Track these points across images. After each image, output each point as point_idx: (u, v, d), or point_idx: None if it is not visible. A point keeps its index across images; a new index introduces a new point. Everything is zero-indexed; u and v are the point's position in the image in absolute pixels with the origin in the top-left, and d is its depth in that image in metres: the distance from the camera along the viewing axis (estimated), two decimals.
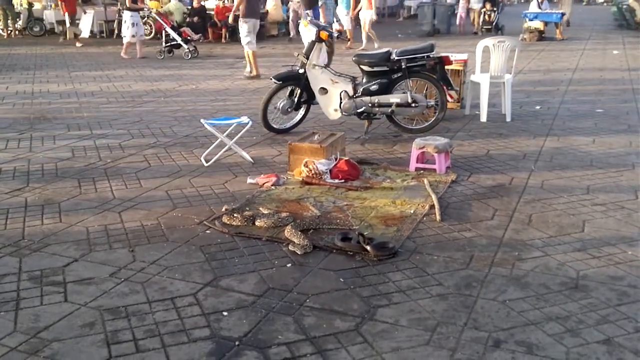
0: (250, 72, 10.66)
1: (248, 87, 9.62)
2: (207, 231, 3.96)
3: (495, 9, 18.15)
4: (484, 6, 18.50)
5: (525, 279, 3.27)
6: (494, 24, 18.01)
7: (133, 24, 13.27)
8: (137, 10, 13.39)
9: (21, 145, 6.12)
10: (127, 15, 13.26)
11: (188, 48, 13.62)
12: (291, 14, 16.92)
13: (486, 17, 18.29)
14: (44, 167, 5.37)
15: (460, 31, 19.66)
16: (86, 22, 19.08)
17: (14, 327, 2.82)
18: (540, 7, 17.40)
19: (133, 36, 13.29)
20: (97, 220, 4.14)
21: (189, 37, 13.98)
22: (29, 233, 3.92)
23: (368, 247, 3.56)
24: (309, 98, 6.47)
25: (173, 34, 13.74)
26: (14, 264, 3.47)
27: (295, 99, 6.41)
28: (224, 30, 17.54)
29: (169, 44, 13.85)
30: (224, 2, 17.98)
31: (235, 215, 4.09)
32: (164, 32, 13.90)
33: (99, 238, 3.85)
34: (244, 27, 10.35)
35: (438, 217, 4.10)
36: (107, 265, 3.46)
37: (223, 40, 17.28)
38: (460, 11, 19.97)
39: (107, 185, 4.88)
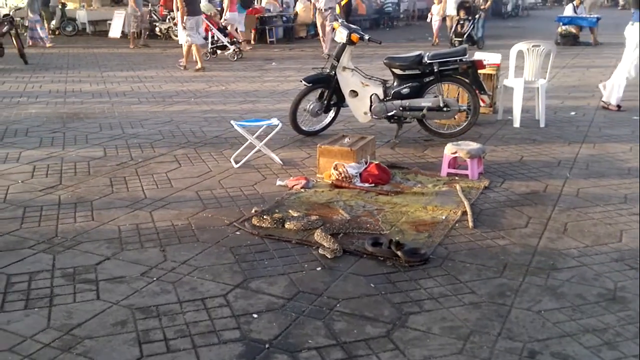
0: (182, 64, 12.09)
1: (277, 89, 9.64)
2: (237, 232, 3.96)
3: (469, 17, 15.53)
4: (457, 14, 15.97)
5: (561, 289, 3.20)
6: (465, 35, 15.22)
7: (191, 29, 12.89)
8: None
9: (54, 144, 6.20)
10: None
11: (234, 49, 13.69)
12: (317, 19, 14.94)
13: (458, 27, 15.65)
14: (76, 165, 5.44)
15: (435, 42, 16.97)
16: (117, 23, 19.35)
17: (47, 323, 2.84)
18: (575, 12, 17.11)
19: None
20: (128, 219, 4.17)
21: (234, 39, 14.07)
22: (62, 230, 3.96)
23: (399, 253, 3.52)
24: (338, 101, 6.44)
25: (220, 36, 13.81)
26: (48, 260, 3.51)
27: (325, 102, 6.40)
28: (253, 32, 17.62)
29: (214, 45, 13.93)
30: (253, 4, 18.07)
31: (264, 217, 4.08)
32: (210, 33, 13.96)
33: (131, 237, 3.87)
34: (187, 24, 11.51)
35: (470, 224, 4.04)
36: (138, 264, 3.48)
37: (252, 42, 17.34)
38: (435, 18, 17.32)
39: (139, 185, 4.92)
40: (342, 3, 14.83)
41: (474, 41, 15.30)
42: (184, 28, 11.61)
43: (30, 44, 15.83)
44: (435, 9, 17.28)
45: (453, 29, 15.71)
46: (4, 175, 5.11)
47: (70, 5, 20.88)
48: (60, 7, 19.75)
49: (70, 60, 13.52)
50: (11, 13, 14.33)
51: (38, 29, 16.04)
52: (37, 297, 3.10)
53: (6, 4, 21.47)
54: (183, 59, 12.16)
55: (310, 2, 16.51)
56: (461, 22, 15.50)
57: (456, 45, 14.20)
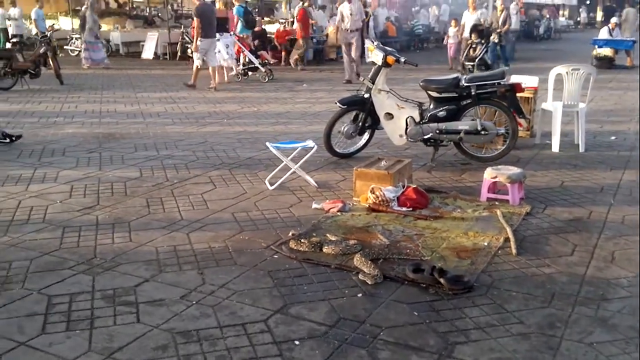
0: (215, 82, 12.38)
1: (309, 111, 9.65)
2: (275, 256, 3.91)
3: (482, 41, 14.46)
4: (470, 37, 14.89)
5: (612, 321, 3.08)
6: (476, 60, 14.20)
7: (218, 50, 13.08)
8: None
9: (91, 164, 6.27)
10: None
11: (265, 71, 13.81)
12: (342, 41, 13.66)
13: (470, 50, 14.56)
14: (113, 185, 5.47)
15: (451, 67, 15.97)
16: (150, 45, 19.68)
17: (89, 346, 2.82)
18: (611, 34, 16.90)
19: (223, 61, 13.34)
20: (166, 241, 4.15)
21: (266, 61, 14.20)
22: (101, 251, 3.96)
23: (442, 280, 3.43)
24: (373, 123, 6.40)
25: (251, 57, 13.95)
26: (88, 282, 3.50)
27: (360, 124, 6.36)
28: (283, 53, 17.77)
29: (245, 67, 14.08)
30: (284, 26, 18.22)
31: (302, 240, 4.03)
32: (241, 55, 14.11)
33: (169, 259, 3.85)
34: (199, 46, 12.07)
35: (514, 251, 3.93)
36: (177, 287, 3.45)
37: (282, 63, 17.48)
38: (450, 41, 16.46)
39: (175, 206, 4.92)
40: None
41: (488, 65, 14.25)
42: (196, 50, 12.08)
43: (87, 65, 16.15)
44: (452, 32, 16.58)
45: (465, 53, 14.82)
46: (43, 195, 5.16)
47: (104, 27, 21.32)
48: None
49: (104, 81, 13.75)
50: (48, 34, 14.64)
51: (95, 50, 16.39)
52: (78, 319, 3.08)
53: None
54: (212, 81, 12.35)
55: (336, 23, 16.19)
56: (473, 45, 14.52)
57: (471, 70, 13.67)
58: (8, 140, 7.17)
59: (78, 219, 4.59)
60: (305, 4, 16.76)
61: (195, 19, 12.34)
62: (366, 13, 16.45)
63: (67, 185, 5.46)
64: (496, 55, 15.45)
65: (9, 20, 18.19)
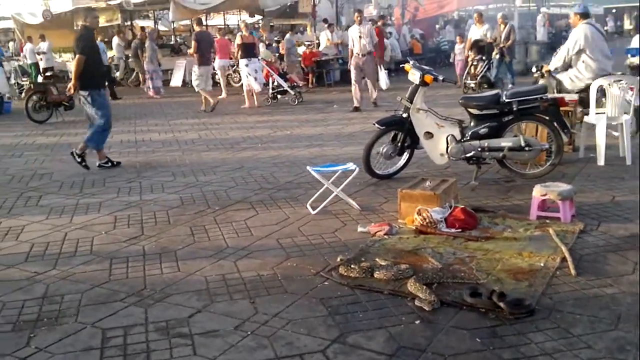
0: (205, 105, 13.16)
1: (342, 132, 9.61)
2: (325, 282, 3.84)
3: (483, 57, 13.92)
4: (468, 54, 14.40)
5: None
6: (478, 77, 13.75)
7: (248, 74, 13.37)
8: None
9: (132, 193, 6.30)
10: (242, 64, 13.56)
11: (294, 94, 13.87)
12: (352, 65, 12.36)
13: (472, 68, 14.10)
14: (156, 214, 5.47)
15: (460, 84, 14.54)
16: (178, 73, 19.92)
17: None
18: None
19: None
20: (214, 270, 4.12)
21: (294, 84, 14.29)
22: (150, 282, 3.93)
23: (502, 304, 3.32)
24: (412, 142, 6.33)
25: (280, 81, 14.05)
26: (140, 314, 3.47)
27: (399, 144, 6.30)
28: (310, 75, 17.83)
29: (275, 90, 14.17)
30: (310, 48, 18.31)
31: (352, 266, 3.96)
32: (270, 79, 14.22)
33: (219, 288, 3.81)
34: (196, 72, 13.15)
35: (573, 271, 3.80)
36: (230, 317, 3.40)
37: (310, 85, 17.54)
38: (458, 58, 15.71)
39: (219, 233, 4.89)
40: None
41: (491, 83, 13.73)
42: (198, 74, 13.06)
43: (151, 94, 16.43)
44: (458, 49, 15.84)
45: (467, 71, 14.35)
46: (88, 227, 5.18)
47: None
48: (124, 59, 20.52)
49: (137, 110, 13.93)
50: None
51: (157, 78, 16.79)
52: (134, 353, 3.05)
53: (72, 58, 22.50)
54: (210, 99, 13.13)
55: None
56: (474, 63, 14.06)
57: (474, 88, 13.36)
58: (110, 165, 7.66)
59: (125, 249, 4.59)
60: (379, 23, 16.49)
61: (193, 42, 13.36)
62: (384, 34, 15.92)
63: (111, 216, 5.48)
64: (512, 71, 14.70)
65: (39, 54, 18.61)
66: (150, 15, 26.41)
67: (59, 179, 7.07)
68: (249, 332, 3.22)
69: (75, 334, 3.27)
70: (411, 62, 6.48)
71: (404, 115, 6.23)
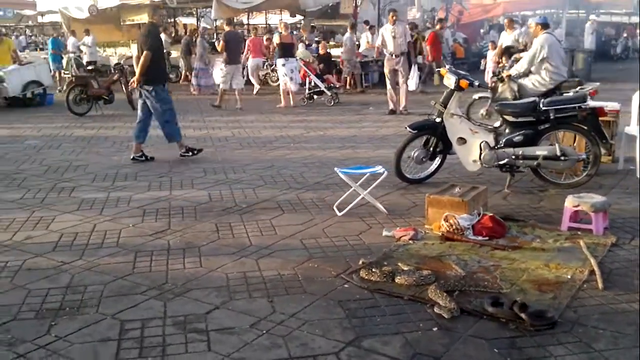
0: (218, 103, 13.42)
1: (376, 135, 9.55)
2: (345, 285, 3.81)
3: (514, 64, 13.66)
4: (499, 60, 13.35)
5: None
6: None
7: (284, 74, 13.46)
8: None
9: (162, 188, 6.37)
10: (279, 64, 13.67)
11: (331, 94, 13.89)
12: (385, 68, 12.18)
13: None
14: (183, 210, 5.53)
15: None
16: (217, 70, 20.11)
17: None
18: None
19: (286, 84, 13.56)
20: (235, 267, 4.13)
21: (331, 84, 14.30)
22: (172, 277, 3.97)
23: (523, 315, 3.24)
24: (444, 148, 6.25)
25: (317, 82, 14.08)
26: (159, 307, 3.51)
27: (431, 149, 6.22)
28: (349, 77, 17.77)
29: (311, 90, 14.22)
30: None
31: (373, 270, 3.92)
32: (307, 79, 14.26)
33: (239, 285, 3.81)
34: (220, 71, 13.56)
35: (600, 285, 3.68)
36: (247, 315, 3.40)
37: (348, 86, 17.49)
38: (489, 65, 14.73)
39: (244, 231, 4.91)
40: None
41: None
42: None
43: (196, 92, 16.70)
44: (490, 55, 14.88)
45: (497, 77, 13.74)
46: (116, 219, 5.26)
47: (174, 54, 22.01)
48: (165, 55, 20.87)
49: (176, 106, 14.07)
50: (121, 62, 15.22)
51: (205, 77, 16.98)
52: (150, 346, 3.07)
53: (115, 53, 22.94)
54: (217, 100, 13.45)
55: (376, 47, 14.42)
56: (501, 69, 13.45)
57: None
58: (190, 154, 7.94)
59: (150, 243, 4.64)
60: (437, 27, 16.29)
61: (221, 42, 13.40)
62: (440, 39, 15.49)
63: (140, 209, 5.55)
64: None
65: (83, 47, 19.05)
66: (193, 12, 26.80)
67: (93, 171, 7.20)
68: (264, 331, 3.22)
69: (94, 324, 3.32)
70: (447, 67, 6.40)
71: (437, 119, 6.15)
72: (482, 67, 15.67)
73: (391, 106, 11.94)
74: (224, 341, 3.12)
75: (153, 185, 6.49)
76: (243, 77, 14.65)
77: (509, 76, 7.84)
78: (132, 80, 8.03)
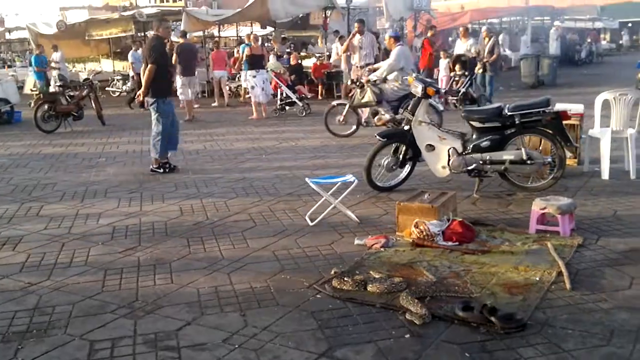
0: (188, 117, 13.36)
1: (347, 144, 9.59)
2: (318, 295, 3.81)
3: (466, 73, 13.08)
4: (452, 69, 13.57)
5: None
6: (460, 94, 12.80)
7: (252, 87, 13.52)
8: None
9: (132, 204, 6.30)
10: (249, 76, 13.66)
11: (302, 105, 13.91)
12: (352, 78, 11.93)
13: (454, 84, 13.34)
14: (154, 225, 5.47)
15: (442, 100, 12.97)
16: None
17: None
18: None
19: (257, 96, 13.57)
20: (207, 282, 4.10)
21: (303, 95, 14.33)
22: (142, 294, 3.92)
23: (493, 319, 3.27)
24: (414, 155, 6.30)
25: (289, 93, 14.12)
26: (129, 326, 3.46)
27: (400, 156, 6.27)
28: (320, 87, 17.85)
29: (283, 101, 14.22)
30: (321, 60, 18.35)
31: (345, 279, 3.92)
32: (279, 90, 14.28)
33: (210, 300, 3.79)
34: (178, 82, 13.43)
35: (568, 286, 3.74)
36: (219, 330, 3.38)
37: (319, 97, 17.54)
38: (442, 74, 14.51)
39: (215, 245, 4.88)
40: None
41: (473, 99, 12.73)
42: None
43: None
44: (443, 64, 14.68)
45: (449, 86, 13.46)
46: (86, 237, 5.19)
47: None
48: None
49: (145, 121, 13.90)
50: (91, 77, 15.06)
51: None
52: None
53: (84, 68, 22.72)
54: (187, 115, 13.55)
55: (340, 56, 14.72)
56: (456, 78, 13.28)
57: (456, 105, 12.70)
58: (162, 170, 7.87)
59: (120, 260, 4.58)
60: (429, 34, 15.84)
61: (174, 54, 13.48)
62: (433, 45, 15.01)
63: (109, 226, 5.49)
64: (492, 87, 13.87)
65: (50, 64, 18.83)
66: None
67: (62, 189, 7.10)
68: (236, 345, 3.20)
69: (62, 346, 3.26)
70: (414, 75, 6.47)
71: (406, 127, 6.20)
72: (435, 76, 15.26)
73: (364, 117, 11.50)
74: (196, 358, 3.09)
75: (123, 201, 6.42)
76: (196, 91, 14.99)
77: (368, 81, 9.02)
78: (138, 94, 8.21)
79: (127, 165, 8.57)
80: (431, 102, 7.20)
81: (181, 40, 14.60)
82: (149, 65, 7.58)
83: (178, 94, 13.84)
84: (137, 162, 8.81)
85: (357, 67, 11.71)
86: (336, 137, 10.19)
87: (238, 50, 16.92)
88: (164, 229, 5.35)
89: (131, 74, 17.54)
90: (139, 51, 18.31)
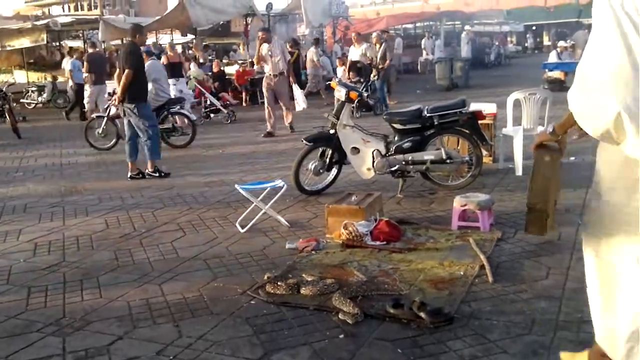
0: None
1: (274, 150, 9.63)
2: (252, 301, 3.83)
3: (361, 79, 12.94)
4: (347, 76, 13.22)
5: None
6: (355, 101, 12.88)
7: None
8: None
9: (54, 218, 6.10)
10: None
11: (227, 112, 13.81)
12: (264, 87, 11.49)
13: None
14: (79, 240, 5.32)
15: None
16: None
17: None
18: (560, 58, 17.39)
19: None
20: (137, 294, 4.03)
21: (227, 102, 14.24)
22: (70, 310, 3.81)
23: (422, 314, 3.40)
24: (340, 158, 6.43)
25: (213, 100, 14.01)
26: (57, 344, 3.36)
27: (327, 160, 6.38)
28: (244, 94, 17.80)
29: (207, 109, 14.06)
30: (244, 67, 18.29)
31: (278, 283, 3.96)
32: (202, 98, 14.12)
33: (142, 313, 3.73)
34: (87, 92, 14.08)
35: (490, 278, 3.94)
36: (152, 342, 3.34)
37: (243, 104, 17.49)
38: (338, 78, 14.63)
39: (145, 256, 4.80)
40: (292, 60, 13.04)
41: (369, 107, 12.52)
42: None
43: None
44: (340, 72, 14.47)
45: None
46: (5, 255, 4.98)
47: (60, 79, 21.08)
48: (51, 80, 19.94)
49: (62, 133, 13.48)
50: (4, 89, 14.39)
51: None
52: None
53: None
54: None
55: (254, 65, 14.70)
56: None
57: (352, 112, 12.33)
58: (158, 174, 7.96)
59: (44, 277, 4.43)
60: (385, 36, 15.20)
61: (85, 64, 14.06)
62: (291, 54, 14.08)
63: (31, 243, 5.29)
64: (383, 93, 13.55)
65: None
66: (80, 35, 25.81)
67: None
68: (171, 357, 3.17)
69: None
70: (337, 80, 6.60)
71: (332, 131, 6.32)
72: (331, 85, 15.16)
73: (269, 128, 11.05)
74: None
75: (44, 216, 6.20)
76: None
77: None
78: (113, 99, 8.28)
79: (46, 179, 8.27)
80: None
81: (90, 50, 14.84)
82: (127, 71, 7.53)
83: (85, 102, 14.19)
84: (57, 175, 8.51)
85: (270, 76, 11.04)
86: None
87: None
88: (90, 243, 5.22)
89: (70, 83, 16.73)
90: (75, 60, 17.57)
